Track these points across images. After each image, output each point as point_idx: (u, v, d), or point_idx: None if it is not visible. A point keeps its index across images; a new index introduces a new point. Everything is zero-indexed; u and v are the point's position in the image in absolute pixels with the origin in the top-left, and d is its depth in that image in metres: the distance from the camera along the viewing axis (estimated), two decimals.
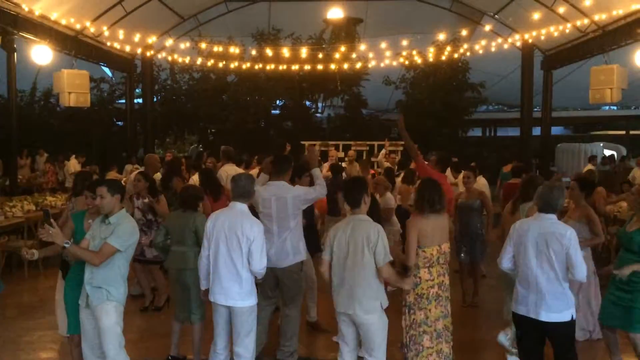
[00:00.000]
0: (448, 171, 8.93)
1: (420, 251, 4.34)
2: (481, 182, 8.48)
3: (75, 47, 12.29)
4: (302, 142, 16.64)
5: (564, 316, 3.97)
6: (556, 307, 3.95)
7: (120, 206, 4.17)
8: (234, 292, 4.23)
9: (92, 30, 12.55)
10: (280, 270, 4.95)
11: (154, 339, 5.78)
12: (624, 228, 4.80)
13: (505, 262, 4.19)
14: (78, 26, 12.09)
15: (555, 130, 21.58)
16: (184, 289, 5.09)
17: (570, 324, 4.03)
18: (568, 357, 4.09)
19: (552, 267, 3.94)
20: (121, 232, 4.03)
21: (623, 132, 26.86)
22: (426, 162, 6.78)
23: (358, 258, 4.00)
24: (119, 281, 4.09)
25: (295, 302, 5.15)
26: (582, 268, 3.90)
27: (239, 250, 4.20)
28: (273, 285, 5.07)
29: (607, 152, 21.15)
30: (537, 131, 15.64)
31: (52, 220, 3.94)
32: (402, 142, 16.13)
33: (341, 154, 14.25)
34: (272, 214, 4.91)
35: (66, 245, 3.90)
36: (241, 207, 4.36)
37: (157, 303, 6.80)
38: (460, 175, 8.05)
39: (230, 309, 4.29)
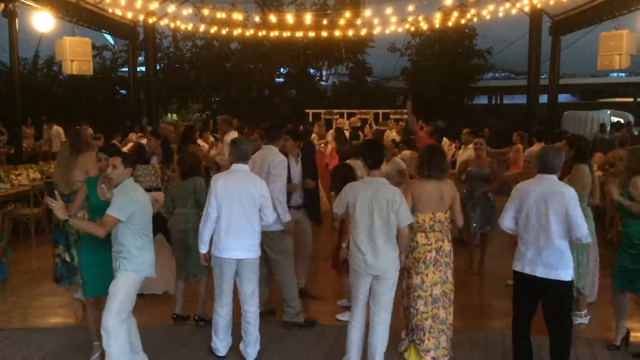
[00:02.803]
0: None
1: (413, 215, 4.37)
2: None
3: (77, 13, 12.12)
4: (307, 110, 16.65)
5: (560, 274, 4.03)
6: (554, 264, 4.02)
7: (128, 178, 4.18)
8: (248, 244, 4.52)
9: None
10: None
11: (159, 304, 5.86)
12: (626, 193, 4.75)
13: (507, 222, 4.27)
14: None
15: (562, 97, 21.34)
16: (187, 249, 5.28)
17: (566, 285, 4.07)
18: (562, 320, 4.12)
19: (550, 226, 4.00)
20: (119, 201, 4.01)
21: (631, 100, 26.55)
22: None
23: (383, 220, 4.15)
24: (131, 252, 4.07)
25: (280, 266, 5.25)
26: (582, 227, 3.96)
27: (253, 207, 4.49)
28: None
29: (614, 120, 20.96)
30: (544, 99, 15.46)
31: (56, 192, 3.94)
32: (406, 110, 16.16)
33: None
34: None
35: (68, 219, 3.90)
36: (244, 167, 4.61)
37: None
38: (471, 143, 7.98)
39: (243, 262, 4.51)
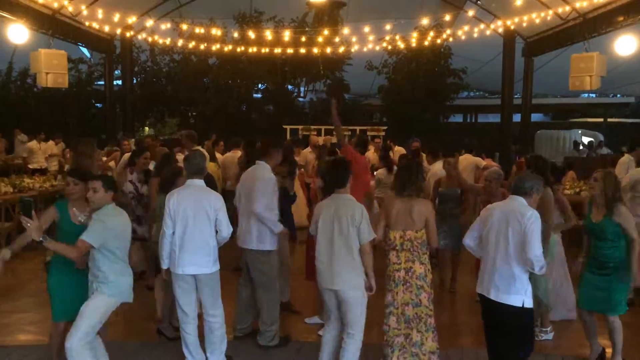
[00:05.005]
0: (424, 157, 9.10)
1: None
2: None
3: (53, 26, 12.03)
4: (284, 126, 16.68)
5: (512, 299, 3.90)
6: (505, 288, 3.90)
7: (109, 202, 4.13)
8: (204, 261, 4.49)
9: (70, 9, 12.29)
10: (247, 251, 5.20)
11: (133, 321, 5.78)
12: (588, 219, 4.77)
13: (468, 240, 4.25)
14: (55, 5, 11.83)
15: (535, 117, 21.77)
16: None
17: (520, 312, 3.91)
18: (519, 348, 3.98)
19: (507, 247, 3.91)
20: (94, 226, 3.94)
21: (601, 120, 27.23)
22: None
23: (343, 236, 4.17)
24: (109, 278, 4.02)
25: (264, 287, 5.22)
26: (535, 248, 3.81)
27: (207, 222, 4.47)
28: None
29: (585, 140, 21.48)
30: (517, 118, 15.77)
31: (33, 212, 3.86)
32: (384, 127, 16.28)
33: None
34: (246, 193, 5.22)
35: (42, 241, 3.82)
36: (199, 182, 4.59)
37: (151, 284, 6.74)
38: (439, 163, 8.07)
39: (199, 277, 4.52)
